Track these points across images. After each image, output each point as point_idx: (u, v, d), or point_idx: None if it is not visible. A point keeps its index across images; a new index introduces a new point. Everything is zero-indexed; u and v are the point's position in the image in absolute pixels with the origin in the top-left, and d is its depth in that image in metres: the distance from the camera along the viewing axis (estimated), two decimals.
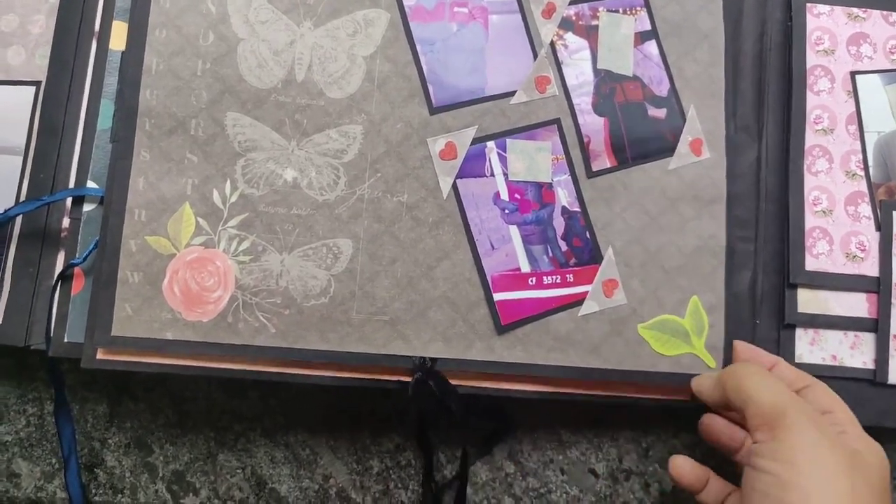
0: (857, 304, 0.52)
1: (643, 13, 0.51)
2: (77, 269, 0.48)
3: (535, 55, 0.50)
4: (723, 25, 0.51)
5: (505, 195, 0.48)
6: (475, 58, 0.49)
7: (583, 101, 0.50)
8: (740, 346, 0.48)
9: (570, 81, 0.50)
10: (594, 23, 0.50)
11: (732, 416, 0.46)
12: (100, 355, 0.46)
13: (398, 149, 0.48)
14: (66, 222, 0.50)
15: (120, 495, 0.52)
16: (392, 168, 0.47)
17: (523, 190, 0.49)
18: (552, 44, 0.50)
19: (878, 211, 0.52)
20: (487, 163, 0.48)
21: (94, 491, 0.52)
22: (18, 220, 0.50)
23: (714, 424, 0.47)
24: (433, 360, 0.47)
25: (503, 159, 0.49)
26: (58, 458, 0.52)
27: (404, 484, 0.52)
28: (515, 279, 0.48)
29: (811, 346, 0.52)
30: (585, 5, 0.50)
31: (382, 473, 0.53)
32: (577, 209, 0.49)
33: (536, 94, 0.49)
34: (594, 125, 0.50)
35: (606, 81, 0.50)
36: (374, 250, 0.47)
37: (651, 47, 0.51)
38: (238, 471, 0.52)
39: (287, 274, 0.46)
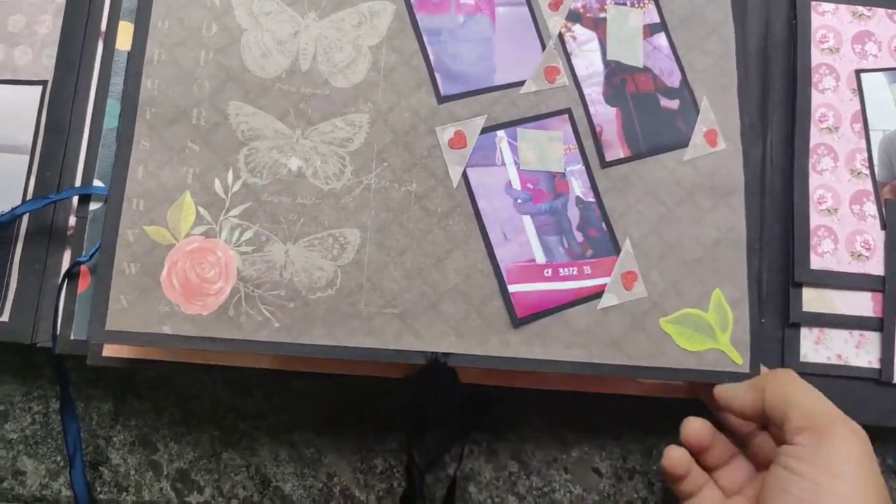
0: (863, 303, 0.51)
1: (651, 6, 0.50)
2: (83, 268, 0.49)
3: (544, 46, 0.49)
4: (732, 18, 0.51)
5: (517, 184, 0.47)
6: (483, 48, 0.48)
7: (594, 91, 0.49)
8: (720, 391, 0.46)
9: (579, 72, 0.49)
10: (602, 15, 0.50)
11: (740, 423, 0.46)
12: (106, 352, 0.44)
13: (405, 138, 0.46)
14: (72, 221, 0.50)
15: (125, 493, 0.51)
16: (399, 157, 0.46)
17: (536, 179, 0.47)
18: (560, 35, 0.49)
19: (884, 209, 0.52)
20: (498, 152, 0.47)
21: (98, 489, 0.51)
22: (25, 218, 0.50)
23: (705, 430, 0.45)
24: (446, 355, 0.44)
25: (514, 148, 0.47)
26: (63, 456, 0.52)
27: None
28: (531, 270, 0.46)
29: (816, 345, 0.51)
30: None
31: (386, 472, 0.51)
32: (592, 199, 0.47)
33: (546, 84, 0.48)
34: (606, 115, 0.49)
35: (617, 72, 0.49)
36: (382, 240, 0.45)
37: (660, 39, 0.50)
38: (242, 469, 0.51)
39: (291, 265, 0.44)
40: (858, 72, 0.54)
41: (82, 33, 0.51)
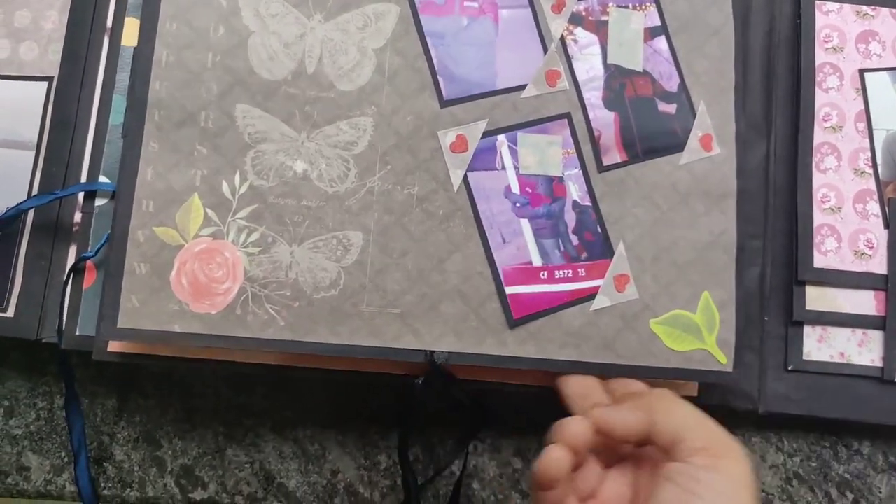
0: (865, 302, 0.52)
1: (652, 9, 0.51)
2: (89, 263, 0.49)
3: (545, 50, 0.49)
4: (732, 21, 0.51)
5: (516, 188, 0.48)
6: (485, 52, 0.49)
7: (593, 95, 0.50)
8: (567, 381, 0.45)
9: (580, 76, 0.50)
10: (604, 18, 0.50)
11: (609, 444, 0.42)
12: (111, 347, 0.46)
13: (408, 141, 0.47)
14: (77, 216, 0.50)
15: (129, 489, 0.52)
16: (402, 160, 0.47)
17: (534, 183, 0.48)
18: (562, 38, 0.50)
19: (887, 209, 0.53)
20: (498, 156, 0.48)
21: (103, 484, 0.52)
22: (31, 213, 0.50)
23: (565, 459, 0.40)
24: (444, 354, 0.46)
25: (514, 153, 0.48)
26: (67, 452, 0.52)
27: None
28: (527, 273, 0.47)
29: (819, 344, 0.52)
30: (595, 0, 0.50)
31: (390, 468, 0.52)
32: (589, 203, 0.49)
33: (547, 88, 0.49)
34: (605, 120, 0.49)
35: (616, 76, 0.50)
36: (384, 243, 0.46)
37: (660, 43, 0.51)
38: (246, 465, 0.52)
39: (297, 266, 0.46)
40: (862, 71, 0.54)
41: (88, 29, 0.51)
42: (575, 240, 0.48)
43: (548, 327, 0.47)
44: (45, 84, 0.51)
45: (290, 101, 0.47)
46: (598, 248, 0.48)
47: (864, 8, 0.54)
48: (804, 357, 0.52)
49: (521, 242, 0.48)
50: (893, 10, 0.54)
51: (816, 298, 0.52)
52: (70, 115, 0.51)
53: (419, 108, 0.48)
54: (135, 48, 0.48)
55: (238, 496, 0.52)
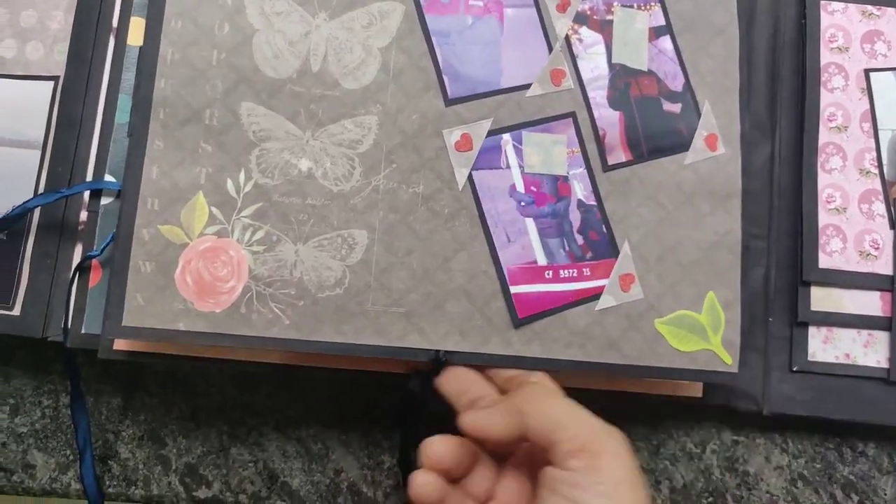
0: (871, 303, 0.52)
1: (657, 8, 0.51)
2: (94, 262, 0.49)
3: (550, 49, 0.49)
4: (737, 20, 0.51)
5: (521, 187, 0.48)
6: (490, 50, 0.49)
7: (598, 94, 0.50)
8: (445, 378, 0.44)
9: (585, 75, 0.50)
10: (609, 17, 0.50)
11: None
12: (116, 346, 0.46)
13: (413, 140, 0.47)
14: (83, 215, 0.50)
15: (133, 487, 0.52)
16: (407, 159, 0.47)
17: (539, 182, 0.48)
18: (567, 38, 0.50)
19: (892, 209, 0.53)
20: (503, 155, 0.48)
21: (107, 482, 0.52)
22: (37, 212, 0.50)
23: (433, 483, 0.40)
24: (449, 353, 0.46)
25: (519, 152, 0.48)
26: (72, 450, 0.52)
27: None
28: (532, 272, 0.47)
29: (824, 345, 0.52)
30: (600, 0, 0.50)
31: (394, 468, 0.52)
32: (594, 202, 0.48)
33: (552, 87, 0.49)
34: (610, 119, 0.49)
35: (621, 76, 0.50)
36: (389, 241, 0.46)
37: (665, 42, 0.51)
38: (250, 464, 0.52)
39: (301, 264, 0.46)
40: (868, 71, 0.54)
41: (94, 29, 0.51)
42: (580, 239, 0.48)
43: (553, 327, 0.47)
44: (50, 84, 0.51)
45: (295, 99, 0.47)
46: (602, 247, 0.48)
47: (870, 8, 0.54)
48: (809, 358, 0.51)
49: (525, 241, 0.48)
50: None
51: (821, 299, 0.52)
52: (76, 115, 0.51)
53: (424, 106, 0.48)
54: (140, 46, 0.48)
55: (242, 495, 0.52)
